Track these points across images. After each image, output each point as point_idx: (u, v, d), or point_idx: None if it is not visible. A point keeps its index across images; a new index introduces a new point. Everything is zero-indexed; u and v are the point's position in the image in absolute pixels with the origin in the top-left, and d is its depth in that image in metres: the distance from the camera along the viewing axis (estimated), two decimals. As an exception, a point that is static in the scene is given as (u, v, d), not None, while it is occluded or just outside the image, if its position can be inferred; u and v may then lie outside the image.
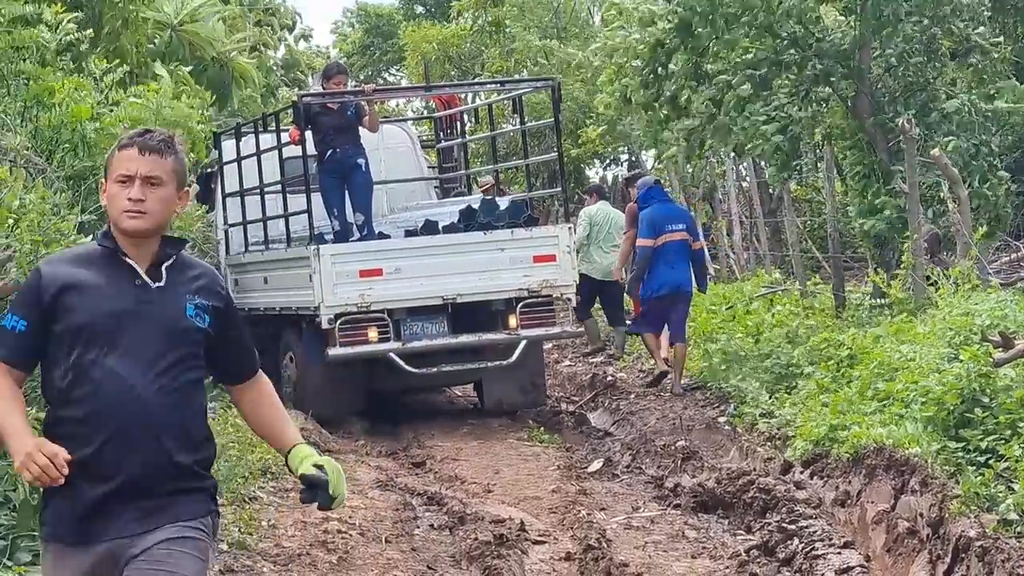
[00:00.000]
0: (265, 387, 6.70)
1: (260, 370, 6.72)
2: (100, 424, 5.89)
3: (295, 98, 24.46)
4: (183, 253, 6.39)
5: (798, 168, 31.99)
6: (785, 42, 24.90)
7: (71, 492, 5.95)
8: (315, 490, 6.43)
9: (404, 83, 58.11)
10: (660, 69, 26.92)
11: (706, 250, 28.28)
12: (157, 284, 6.25)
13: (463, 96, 32.52)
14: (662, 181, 29.16)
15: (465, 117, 29.04)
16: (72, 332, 5.97)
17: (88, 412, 5.90)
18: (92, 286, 6.02)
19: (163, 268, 6.20)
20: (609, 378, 25.53)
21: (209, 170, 24.63)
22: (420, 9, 70.85)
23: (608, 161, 43.83)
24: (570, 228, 23.16)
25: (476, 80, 44.48)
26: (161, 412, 6.00)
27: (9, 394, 5.99)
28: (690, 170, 38.67)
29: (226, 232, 24.66)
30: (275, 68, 35.56)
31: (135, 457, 5.93)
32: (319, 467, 6.46)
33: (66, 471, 5.72)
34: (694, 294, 24.99)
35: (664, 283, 23.67)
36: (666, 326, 24.19)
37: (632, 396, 23.65)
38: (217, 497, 6.40)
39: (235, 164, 23.96)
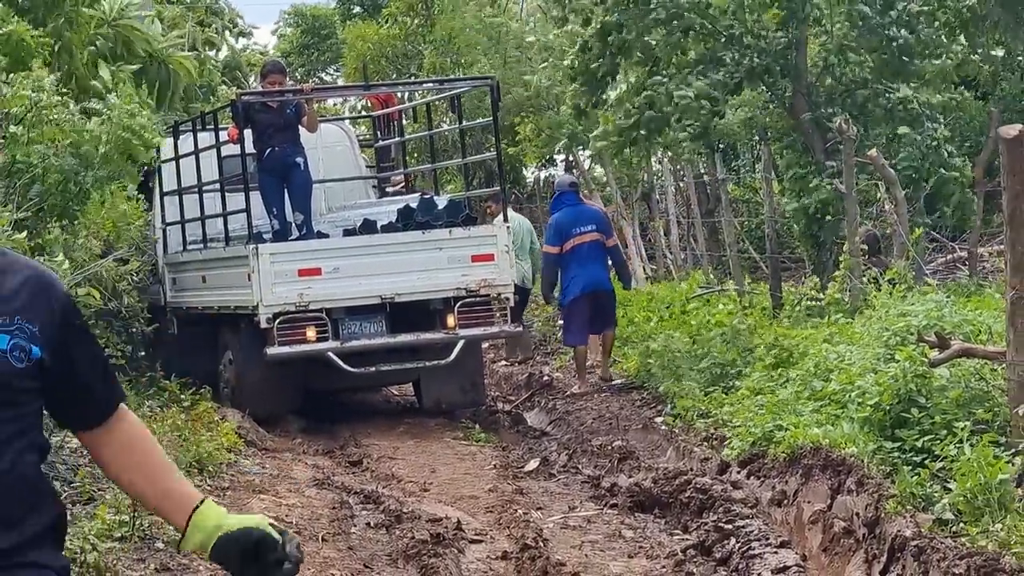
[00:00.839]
0: (135, 426, 4.79)
1: (124, 404, 4.83)
2: None
3: (234, 96, 24.68)
4: None
5: (735, 169, 32.10)
6: (723, 40, 25.16)
7: None
8: (260, 553, 4.46)
9: (341, 82, 56.32)
10: (594, 66, 27.19)
11: (641, 246, 28.24)
12: None
13: (401, 95, 32.72)
14: (578, 183, 29.32)
15: (402, 116, 29.30)
16: None
17: None
18: None
19: None
20: (546, 378, 25.62)
21: (147, 168, 23.80)
22: (357, 9, 69.14)
23: (543, 161, 43.99)
24: (508, 227, 23.10)
25: (415, 79, 44.44)
26: None
27: None
28: (625, 169, 38.43)
29: (164, 231, 24.53)
30: (216, 67, 35.40)
31: None
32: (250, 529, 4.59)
33: None
34: (622, 293, 25.80)
35: (581, 284, 23.95)
36: (591, 324, 24.39)
37: (569, 396, 23.70)
38: None
39: (173, 162, 23.89)
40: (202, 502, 4.62)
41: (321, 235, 22.37)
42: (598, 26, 26.05)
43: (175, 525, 4.67)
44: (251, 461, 18.44)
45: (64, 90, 18.70)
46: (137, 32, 19.82)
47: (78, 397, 4.61)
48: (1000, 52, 29.62)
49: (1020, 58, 28.80)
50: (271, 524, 4.59)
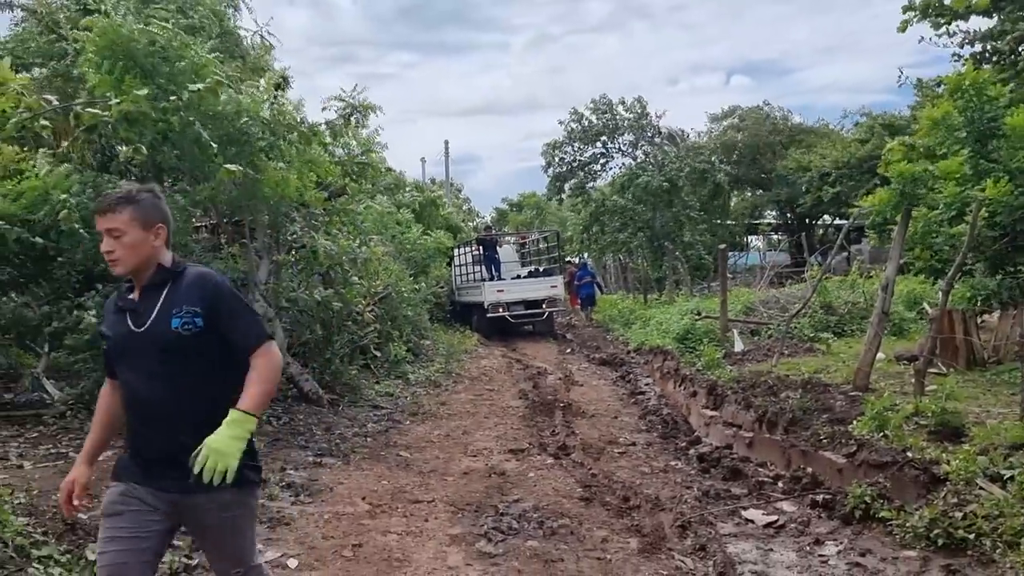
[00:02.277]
0: (258, 359, 3.41)
1: (266, 346, 3.41)
2: (129, 415, 3.37)
3: (485, 234, 25.76)
4: (187, 270, 3.42)
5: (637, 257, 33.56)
6: (637, 224, 27.10)
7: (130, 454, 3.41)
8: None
9: (507, 229, 51.83)
10: (594, 227, 28.81)
11: (596, 283, 28.44)
12: (144, 307, 3.42)
13: (528, 235, 34.74)
14: (588, 262, 30.60)
15: (528, 240, 29.76)
16: (107, 351, 3.48)
17: (125, 407, 3.40)
18: (110, 316, 3.48)
19: (150, 292, 3.39)
20: (573, 322, 26.40)
21: (451, 256, 24.99)
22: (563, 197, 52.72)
23: (576, 255, 44.23)
24: (563, 277, 23.91)
25: (535, 230, 44.20)
26: (160, 406, 3.28)
27: (97, 418, 3.58)
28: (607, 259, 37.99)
29: (454, 277, 25.24)
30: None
31: (154, 439, 3.32)
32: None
33: (70, 506, 3.43)
34: (598, 297, 26.64)
35: (584, 293, 25.61)
36: (581, 305, 25.79)
37: (579, 328, 24.38)
38: (253, 462, 3.39)
39: (457, 256, 25.09)
40: (232, 409, 3.26)
41: (502, 279, 23.48)
42: (591, 212, 28.38)
43: None
44: (480, 349, 19.31)
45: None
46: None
47: (230, 341, 3.33)
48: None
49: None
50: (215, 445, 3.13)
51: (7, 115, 6.93)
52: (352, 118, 10.71)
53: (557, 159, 29.31)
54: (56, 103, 7.12)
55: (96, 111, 7.22)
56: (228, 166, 7.64)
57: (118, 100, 7.32)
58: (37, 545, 4.74)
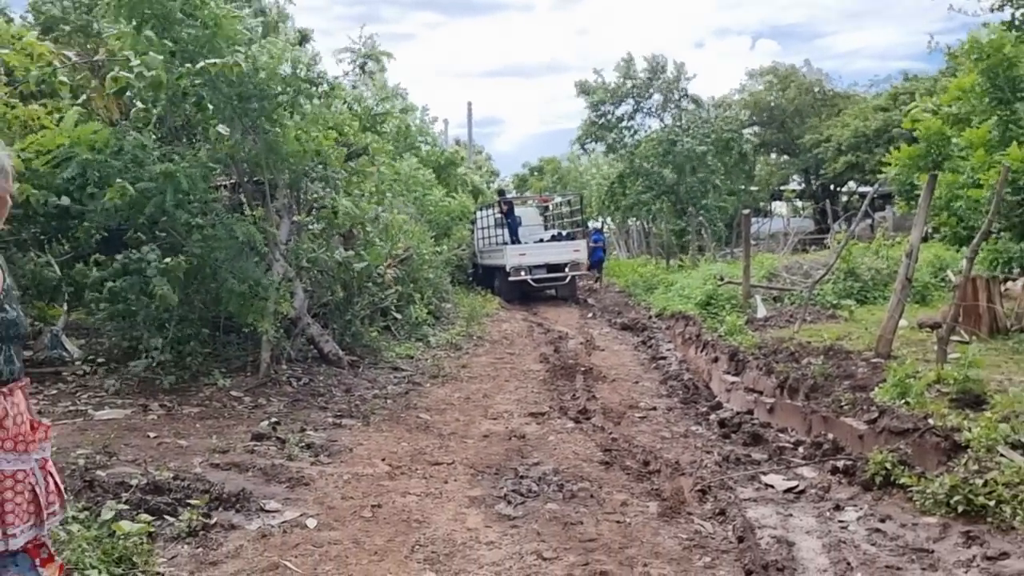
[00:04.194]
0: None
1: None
2: None
3: (499, 198, 25.46)
4: None
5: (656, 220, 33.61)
6: (661, 188, 27.39)
7: None
8: None
9: (529, 194, 50.45)
10: (617, 188, 29.41)
11: (604, 248, 28.58)
12: None
13: (551, 198, 34.53)
14: (600, 228, 30.92)
15: (551, 204, 29.74)
16: None
17: None
18: None
19: None
20: (595, 287, 26.39)
21: (473, 219, 24.97)
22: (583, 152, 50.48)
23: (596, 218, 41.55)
24: (585, 241, 23.80)
25: (558, 194, 42.99)
26: None
27: None
28: (631, 222, 38.37)
29: (476, 240, 25.30)
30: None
31: None
32: None
33: None
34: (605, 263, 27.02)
35: (595, 257, 25.94)
36: (595, 270, 26.16)
37: (600, 292, 24.49)
38: None
39: (480, 219, 24.94)
40: None
41: (523, 243, 23.32)
42: (618, 173, 28.59)
43: None
44: (502, 313, 19.24)
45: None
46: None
47: None
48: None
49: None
50: None
51: (27, 72, 6.99)
52: (366, 67, 10.60)
53: (598, 111, 28.94)
54: (75, 58, 7.10)
55: (126, 75, 7.26)
56: (220, 128, 7.71)
57: (138, 62, 7.35)
58: (56, 502, 4.80)
